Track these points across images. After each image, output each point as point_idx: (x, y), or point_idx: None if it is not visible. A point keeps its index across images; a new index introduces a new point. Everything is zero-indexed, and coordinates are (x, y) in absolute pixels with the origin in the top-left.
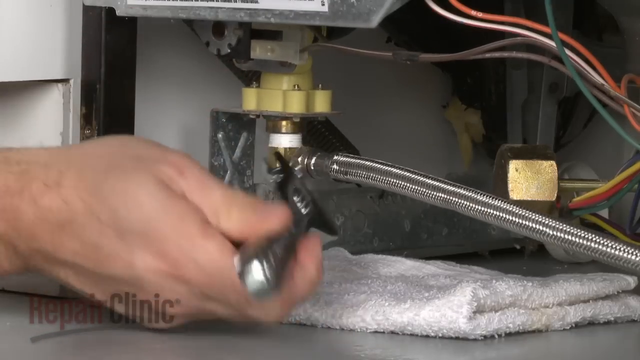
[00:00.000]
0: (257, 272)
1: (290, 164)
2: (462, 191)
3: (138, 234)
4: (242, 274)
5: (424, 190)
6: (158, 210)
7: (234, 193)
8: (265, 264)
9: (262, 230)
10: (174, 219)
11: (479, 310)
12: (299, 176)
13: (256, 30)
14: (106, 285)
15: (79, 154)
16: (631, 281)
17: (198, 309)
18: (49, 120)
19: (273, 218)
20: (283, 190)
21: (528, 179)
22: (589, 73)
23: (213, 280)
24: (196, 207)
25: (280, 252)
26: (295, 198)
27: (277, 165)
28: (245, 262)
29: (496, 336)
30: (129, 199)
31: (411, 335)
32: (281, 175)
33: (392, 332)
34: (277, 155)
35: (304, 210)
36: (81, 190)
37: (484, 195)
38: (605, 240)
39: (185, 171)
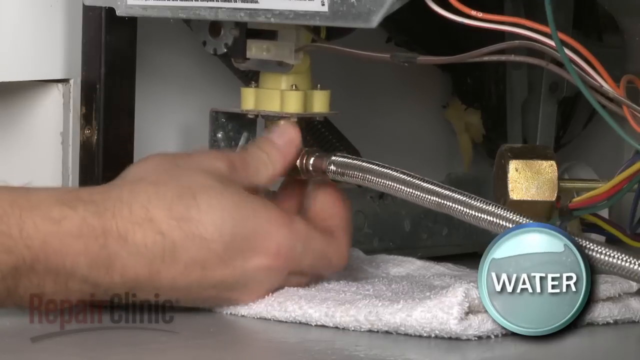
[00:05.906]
0: None
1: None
2: (456, 195)
3: (242, 239)
4: None
5: (419, 193)
6: (249, 212)
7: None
8: None
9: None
10: (264, 217)
11: (473, 311)
12: None
13: (252, 30)
14: (199, 294)
15: (147, 182)
16: (633, 284)
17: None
18: (49, 120)
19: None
20: None
21: (528, 179)
22: (589, 74)
23: (312, 245)
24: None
25: None
26: None
27: None
28: None
29: (492, 337)
30: (223, 210)
31: (411, 335)
32: None
33: (387, 332)
34: None
35: None
36: (174, 219)
37: (478, 201)
38: (602, 248)
39: (226, 159)
